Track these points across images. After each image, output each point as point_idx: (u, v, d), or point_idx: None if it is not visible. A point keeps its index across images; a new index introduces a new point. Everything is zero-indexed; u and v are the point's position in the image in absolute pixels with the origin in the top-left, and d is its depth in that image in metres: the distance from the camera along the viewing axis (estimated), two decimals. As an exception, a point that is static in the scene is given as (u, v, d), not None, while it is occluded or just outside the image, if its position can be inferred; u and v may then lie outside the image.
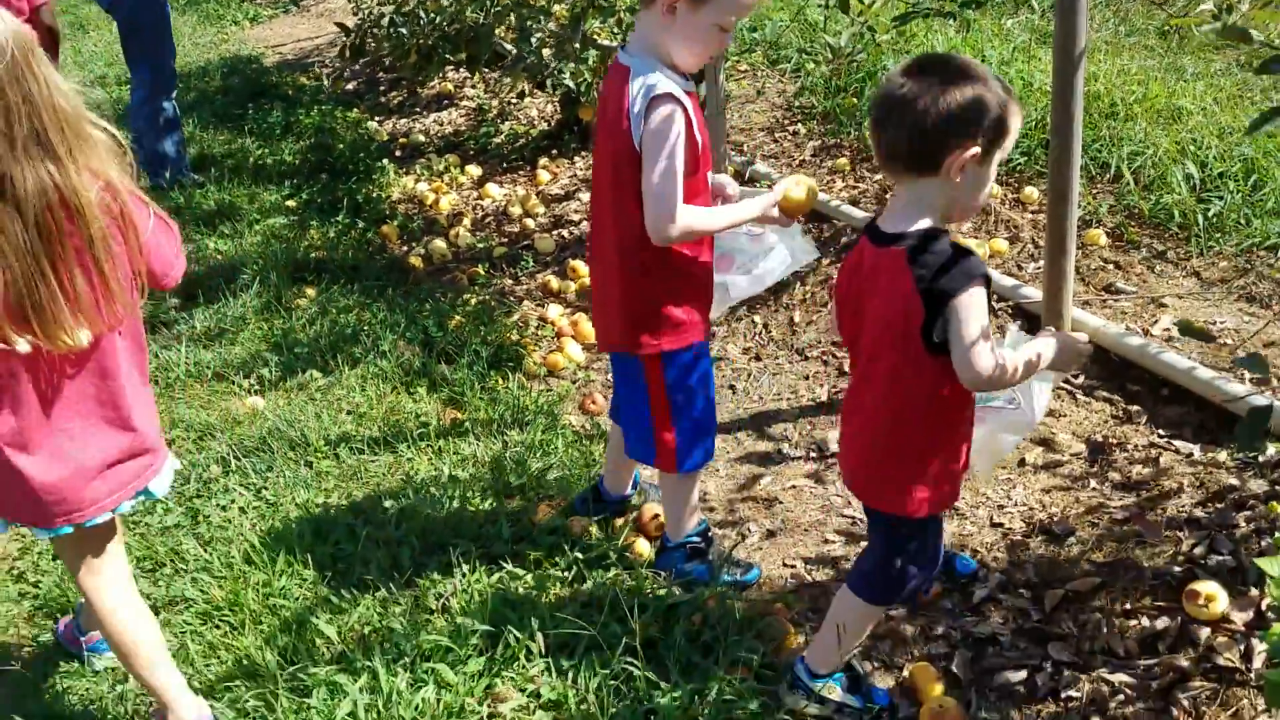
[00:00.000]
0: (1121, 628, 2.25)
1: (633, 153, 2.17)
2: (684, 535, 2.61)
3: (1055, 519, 2.66)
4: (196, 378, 3.78)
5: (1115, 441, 2.87)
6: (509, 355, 3.79)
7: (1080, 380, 3.10)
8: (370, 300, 4.26)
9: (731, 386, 3.54)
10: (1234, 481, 2.57)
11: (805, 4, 5.98)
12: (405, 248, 4.90)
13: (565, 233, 4.81)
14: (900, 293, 1.80)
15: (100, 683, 2.47)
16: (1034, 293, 3.29)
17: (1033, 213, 3.92)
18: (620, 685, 2.24)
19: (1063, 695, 2.16)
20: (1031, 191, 3.99)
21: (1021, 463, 2.89)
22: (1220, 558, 2.32)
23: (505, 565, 2.62)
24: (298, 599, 2.61)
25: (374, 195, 5.47)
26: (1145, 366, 3.02)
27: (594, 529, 2.74)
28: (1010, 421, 2.16)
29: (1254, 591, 2.19)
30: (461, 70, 6.86)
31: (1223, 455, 2.69)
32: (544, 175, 5.45)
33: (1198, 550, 2.36)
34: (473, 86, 6.92)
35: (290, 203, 5.47)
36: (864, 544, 2.36)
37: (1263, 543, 2.33)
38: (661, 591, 2.50)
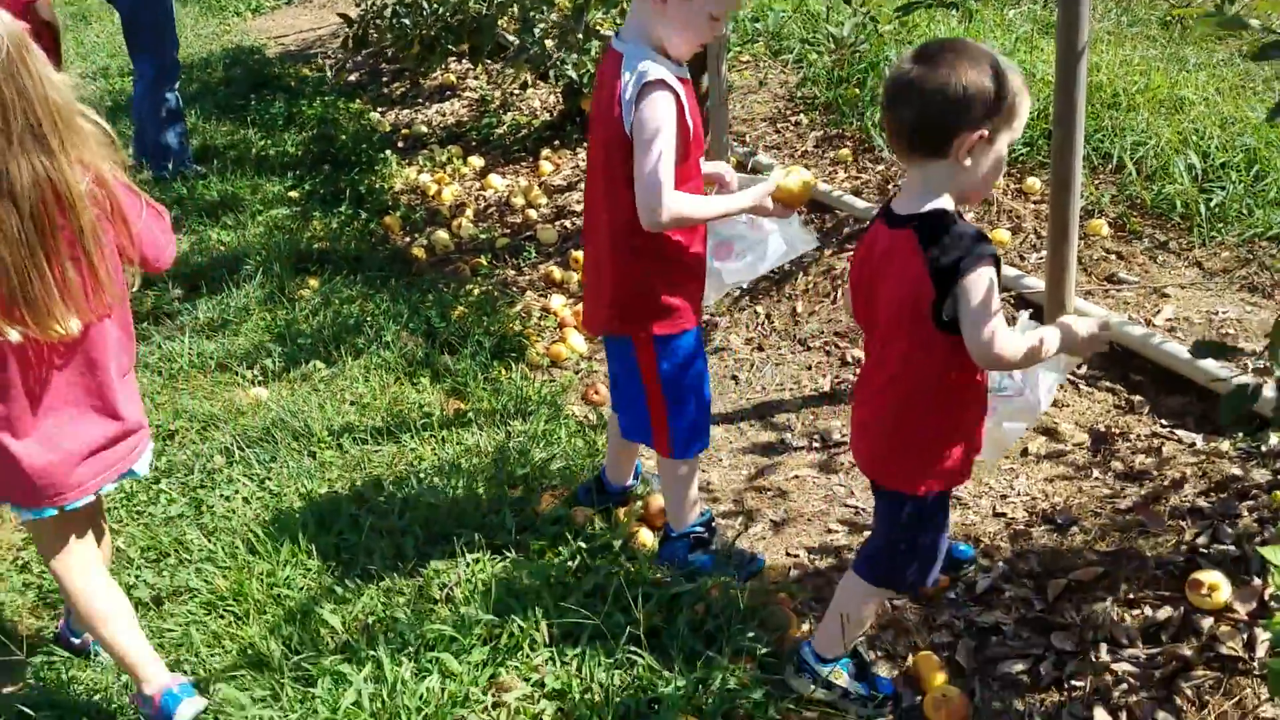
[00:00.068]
0: (1124, 617, 2.26)
1: (624, 139, 2.17)
2: (687, 525, 2.61)
3: (1058, 509, 2.66)
4: (200, 368, 3.79)
5: (1118, 431, 2.87)
6: (512, 346, 3.80)
7: (1083, 370, 3.10)
8: (373, 291, 4.26)
9: (734, 377, 3.55)
10: (1237, 471, 2.57)
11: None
12: (408, 238, 4.91)
13: (568, 223, 4.81)
14: (911, 273, 1.82)
15: (106, 674, 2.48)
16: (1037, 282, 3.29)
17: (1035, 203, 3.92)
18: (624, 674, 2.24)
19: (1066, 684, 2.16)
20: (1034, 182, 3.98)
21: (1024, 452, 2.89)
22: (1223, 547, 2.32)
23: (509, 555, 2.63)
24: (302, 589, 2.61)
25: (377, 186, 5.47)
26: (1148, 356, 3.02)
27: (597, 519, 2.75)
28: (1017, 409, 2.17)
29: (1257, 581, 2.19)
30: (464, 61, 6.87)
31: (1225, 445, 2.69)
32: (546, 166, 5.45)
33: (1200, 540, 2.37)
34: (475, 77, 6.91)
35: (293, 194, 5.47)
36: (867, 533, 2.37)
37: (1265, 532, 2.33)
38: (665, 581, 2.50)
